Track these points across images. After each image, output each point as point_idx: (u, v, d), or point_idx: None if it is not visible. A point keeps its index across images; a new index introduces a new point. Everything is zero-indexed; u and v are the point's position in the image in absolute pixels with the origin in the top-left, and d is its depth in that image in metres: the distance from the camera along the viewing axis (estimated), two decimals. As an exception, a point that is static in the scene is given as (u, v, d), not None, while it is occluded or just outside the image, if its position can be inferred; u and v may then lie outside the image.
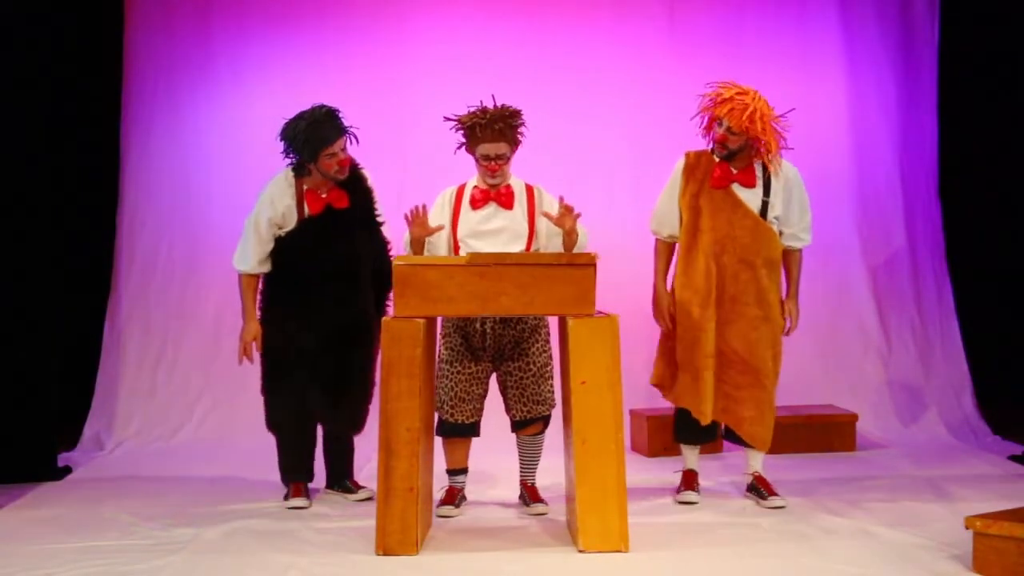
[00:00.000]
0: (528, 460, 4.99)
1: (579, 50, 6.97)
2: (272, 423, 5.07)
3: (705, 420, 4.92)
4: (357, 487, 5.19)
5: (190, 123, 6.92)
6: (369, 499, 5.01)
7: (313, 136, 4.83)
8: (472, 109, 4.81)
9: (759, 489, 5.01)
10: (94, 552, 4.28)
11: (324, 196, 4.94)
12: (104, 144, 6.89)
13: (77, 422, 6.60)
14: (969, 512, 4.16)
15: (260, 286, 5.08)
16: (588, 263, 4.29)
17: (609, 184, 6.82)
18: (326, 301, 4.92)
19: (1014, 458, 5.86)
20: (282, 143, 4.94)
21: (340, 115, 4.93)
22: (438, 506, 4.86)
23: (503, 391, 4.90)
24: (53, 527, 4.69)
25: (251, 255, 5.00)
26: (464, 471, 4.98)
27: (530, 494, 4.96)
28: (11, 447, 5.57)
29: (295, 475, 5.08)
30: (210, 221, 6.85)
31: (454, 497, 4.92)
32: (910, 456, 6.02)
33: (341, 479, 5.22)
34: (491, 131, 4.76)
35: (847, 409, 6.43)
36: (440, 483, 4.97)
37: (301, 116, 4.90)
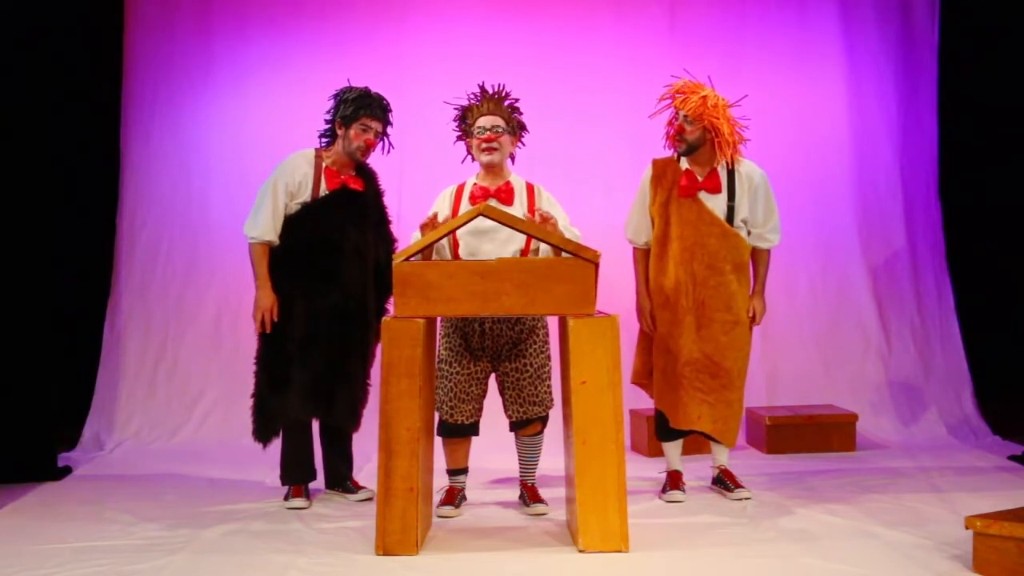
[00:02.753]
0: (527, 460, 5.00)
1: (579, 50, 6.97)
2: (262, 434, 5.02)
3: (678, 426, 5.04)
4: (357, 487, 5.19)
5: (190, 123, 6.92)
6: (369, 499, 5.01)
7: (361, 101, 5.02)
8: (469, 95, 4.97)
9: (725, 482, 5.13)
10: (94, 552, 4.28)
11: (342, 176, 5.03)
12: (104, 144, 6.89)
13: (77, 422, 6.61)
14: (969, 512, 4.17)
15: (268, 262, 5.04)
16: (592, 260, 4.29)
17: (608, 185, 6.82)
18: (332, 284, 4.93)
19: (1014, 458, 5.85)
20: (333, 100, 5.11)
21: (391, 112, 5.13)
22: (438, 506, 4.86)
23: (501, 391, 4.91)
24: (53, 527, 4.69)
25: (262, 222, 4.97)
26: (464, 471, 4.99)
27: (530, 494, 4.96)
28: (11, 447, 5.57)
29: (295, 476, 5.08)
30: (210, 221, 6.86)
31: (454, 497, 4.92)
32: (910, 456, 6.02)
33: (341, 479, 5.22)
34: (487, 103, 4.89)
35: (847, 409, 6.43)
36: (440, 483, 4.98)
37: (362, 88, 5.11)
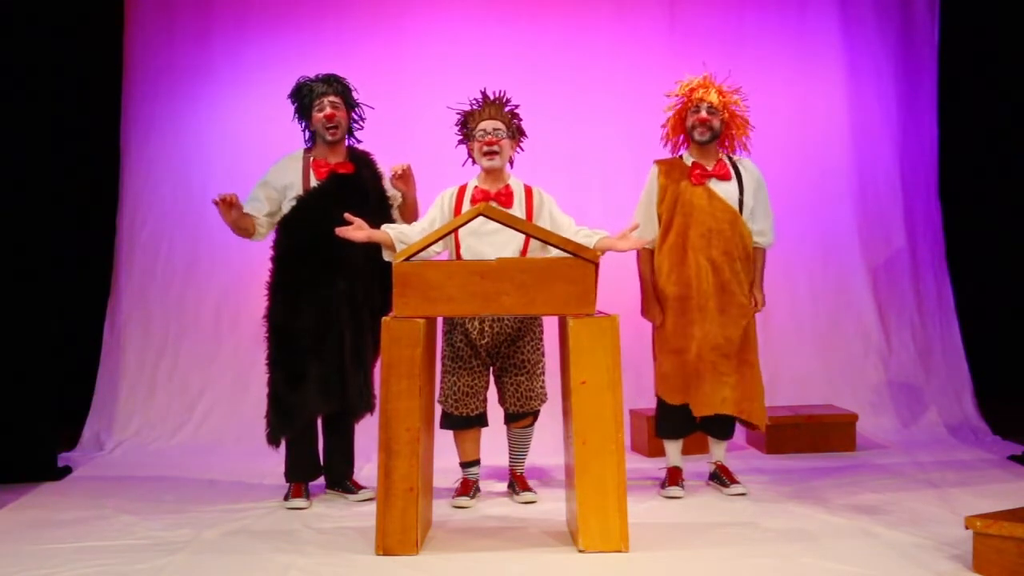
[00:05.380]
0: (518, 450, 5.16)
1: (579, 50, 6.97)
2: (278, 433, 5.03)
3: (702, 412, 5.07)
4: (357, 487, 5.19)
5: (190, 123, 6.92)
6: (370, 500, 5.01)
7: (303, 90, 5.14)
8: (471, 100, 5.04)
9: (721, 477, 5.20)
10: (94, 552, 4.28)
11: (330, 164, 5.08)
12: (104, 144, 6.89)
13: (77, 422, 6.61)
14: (969, 512, 4.17)
15: (270, 266, 5.09)
16: (592, 260, 4.29)
17: (607, 185, 6.82)
18: (336, 271, 4.95)
19: (1014, 458, 5.85)
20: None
21: (344, 82, 5.17)
22: (454, 496, 5.00)
23: (499, 386, 5.06)
24: (53, 527, 4.69)
25: (246, 202, 5.10)
26: (477, 463, 5.12)
27: (519, 483, 5.12)
28: (11, 447, 5.57)
29: (301, 473, 5.10)
30: (210, 221, 6.81)
31: (469, 488, 5.05)
32: (910, 456, 6.02)
33: (341, 479, 5.22)
34: (488, 108, 4.98)
35: (847, 409, 6.43)
36: (450, 478, 5.09)
37: (304, 78, 5.20)
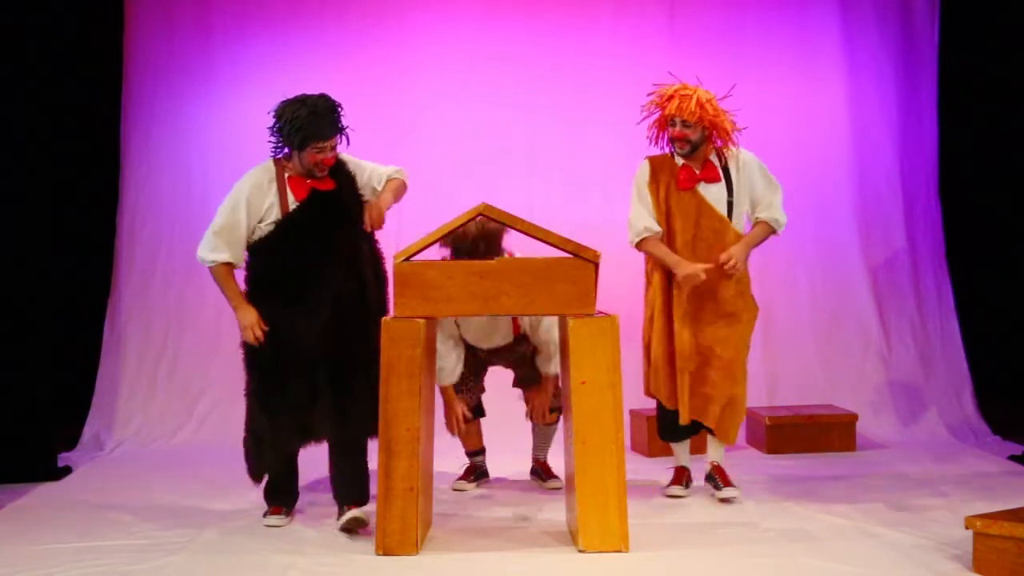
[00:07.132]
0: (543, 440, 5.31)
1: (578, 50, 6.97)
2: (256, 469, 4.70)
3: (683, 421, 5.02)
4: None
5: (190, 123, 6.93)
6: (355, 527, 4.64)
7: (308, 127, 4.50)
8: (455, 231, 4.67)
9: (715, 479, 5.11)
10: (94, 552, 4.28)
11: (308, 182, 4.59)
12: (104, 145, 6.89)
13: (77, 422, 6.60)
14: (969, 512, 4.16)
15: (245, 286, 4.69)
16: (592, 260, 4.29)
17: (607, 185, 6.80)
18: (322, 291, 4.54)
19: (1014, 458, 5.85)
20: (274, 121, 4.60)
21: (340, 111, 4.62)
22: (456, 480, 5.20)
23: (527, 400, 5.23)
24: (53, 527, 4.69)
25: (223, 247, 4.63)
26: (482, 451, 5.29)
27: (544, 470, 5.28)
28: (11, 447, 5.57)
29: (280, 501, 4.80)
30: (210, 222, 6.84)
31: (470, 473, 5.24)
32: (910, 456, 6.02)
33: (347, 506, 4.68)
34: (477, 250, 4.80)
35: (847, 409, 6.43)
36: (450, 478, 5.18)
37: (303, 102, 4.55)
